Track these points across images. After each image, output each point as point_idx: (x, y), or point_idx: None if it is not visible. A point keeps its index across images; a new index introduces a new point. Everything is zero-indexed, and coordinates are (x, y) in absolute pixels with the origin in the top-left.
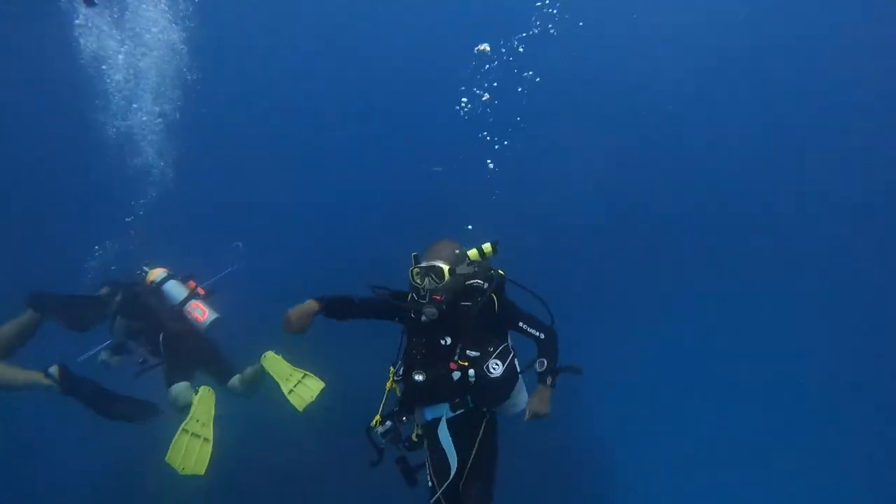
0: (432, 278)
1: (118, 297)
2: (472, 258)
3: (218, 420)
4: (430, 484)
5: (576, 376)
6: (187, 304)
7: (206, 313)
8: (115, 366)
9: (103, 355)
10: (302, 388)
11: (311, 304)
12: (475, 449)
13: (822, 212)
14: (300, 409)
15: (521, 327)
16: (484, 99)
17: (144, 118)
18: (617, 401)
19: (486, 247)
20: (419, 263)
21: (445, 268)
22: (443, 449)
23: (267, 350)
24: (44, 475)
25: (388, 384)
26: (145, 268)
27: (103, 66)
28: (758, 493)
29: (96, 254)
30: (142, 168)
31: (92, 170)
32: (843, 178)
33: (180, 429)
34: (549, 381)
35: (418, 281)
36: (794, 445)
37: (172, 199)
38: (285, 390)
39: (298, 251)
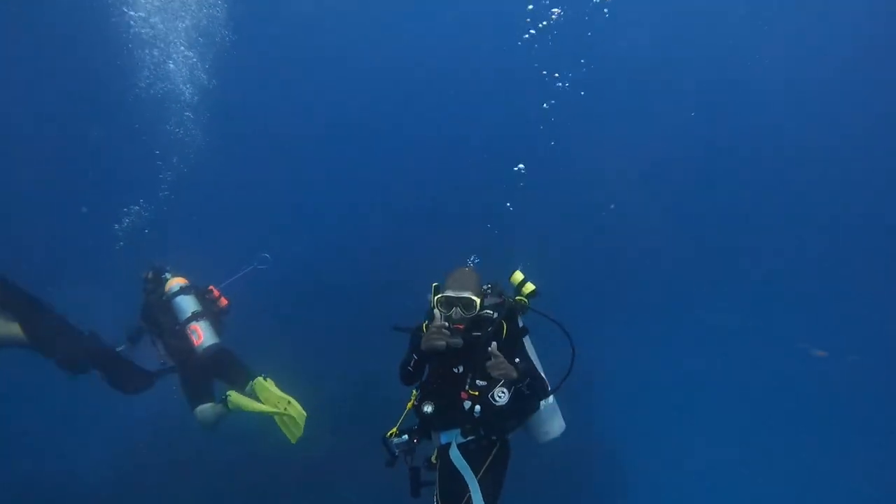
0: (460, 309)
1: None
2: (512, 280)
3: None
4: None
5: (580, 378)
6: (189, 325)
7: (202, 338)
8: (127, 352)
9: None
10: (289, 419)
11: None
12: (479, 476)
13: (831, 213)
14: (293, 441)
15: (516, 365)
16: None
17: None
18: (622, 401)
19: (528, 286)
20: (444, 293)
21: (477, 300)
22: (452, 472)
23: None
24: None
25: (409, 405)
26: (167, 275)
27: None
28: (761, 492)
29: (127, 217)
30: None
31: (122, 128)
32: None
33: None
34: (521, 382)
35: (444, 310)
36: (798, 446)
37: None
38: (278, 422)
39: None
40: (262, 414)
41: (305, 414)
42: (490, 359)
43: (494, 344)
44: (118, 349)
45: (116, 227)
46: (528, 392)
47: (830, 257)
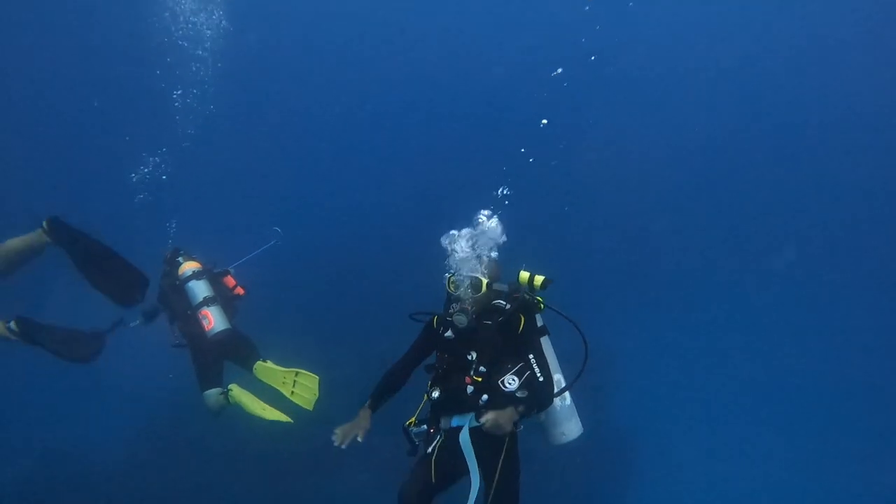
0: (468, 288)
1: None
2: (521, 281)
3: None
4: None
5: (594, 370)
6: (200, 310)
7: (213, 324)
8: (141, 327)
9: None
10: (300, 387)
11: (363, 414)
12: (500, 466)
13: (834, 210)
14: (310, 407)
15: (529, 360)
16: None
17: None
18: (640, 402)
19: (538, 279)
20: (455, 273)
21: (484, 280)
22: (452, 452)
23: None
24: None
25: (427, 395)
26: (180, 259)
27: None
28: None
29: (147, 166)
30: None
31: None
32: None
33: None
34: (520, 408)
35: (453, 289)
36: (800, 443)
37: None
38: (287, 394)
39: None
40: (262, 417)
41: (317, 376)
42: (487, 422)
43: (489, 418)
44: (132, 324)
45: (133, 176)
46: (537, 411)
47: (841, 255)
